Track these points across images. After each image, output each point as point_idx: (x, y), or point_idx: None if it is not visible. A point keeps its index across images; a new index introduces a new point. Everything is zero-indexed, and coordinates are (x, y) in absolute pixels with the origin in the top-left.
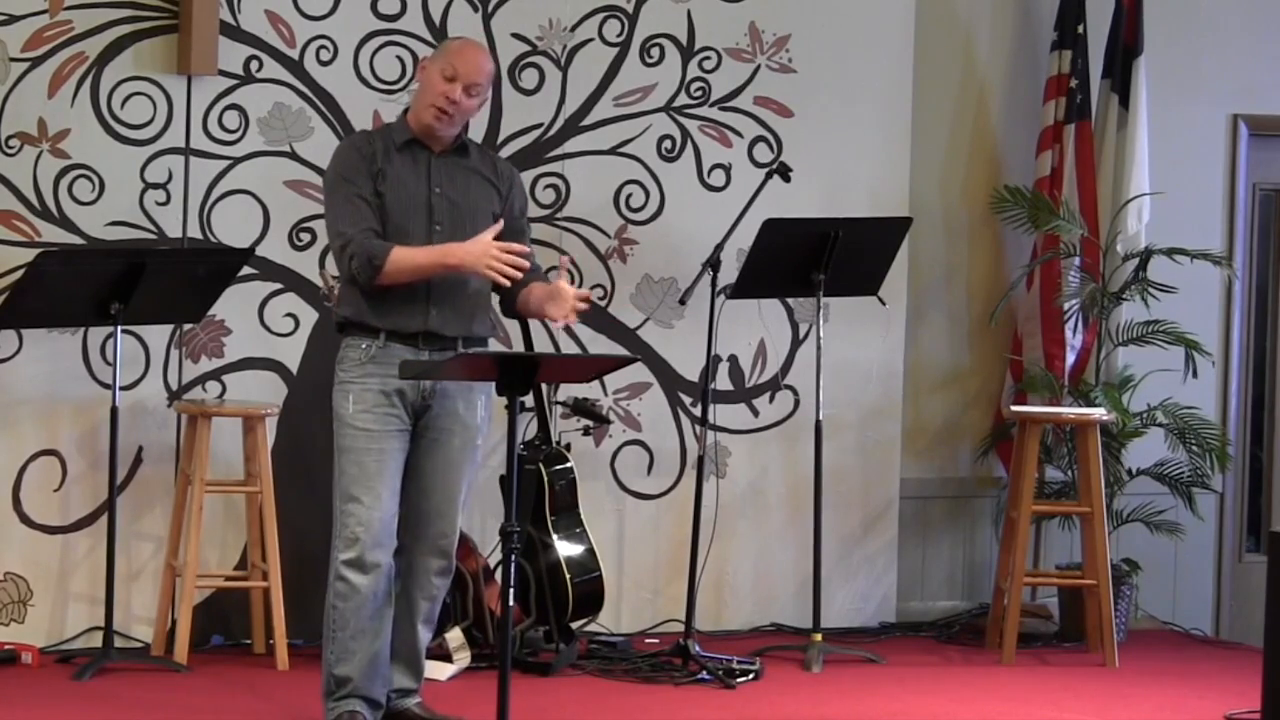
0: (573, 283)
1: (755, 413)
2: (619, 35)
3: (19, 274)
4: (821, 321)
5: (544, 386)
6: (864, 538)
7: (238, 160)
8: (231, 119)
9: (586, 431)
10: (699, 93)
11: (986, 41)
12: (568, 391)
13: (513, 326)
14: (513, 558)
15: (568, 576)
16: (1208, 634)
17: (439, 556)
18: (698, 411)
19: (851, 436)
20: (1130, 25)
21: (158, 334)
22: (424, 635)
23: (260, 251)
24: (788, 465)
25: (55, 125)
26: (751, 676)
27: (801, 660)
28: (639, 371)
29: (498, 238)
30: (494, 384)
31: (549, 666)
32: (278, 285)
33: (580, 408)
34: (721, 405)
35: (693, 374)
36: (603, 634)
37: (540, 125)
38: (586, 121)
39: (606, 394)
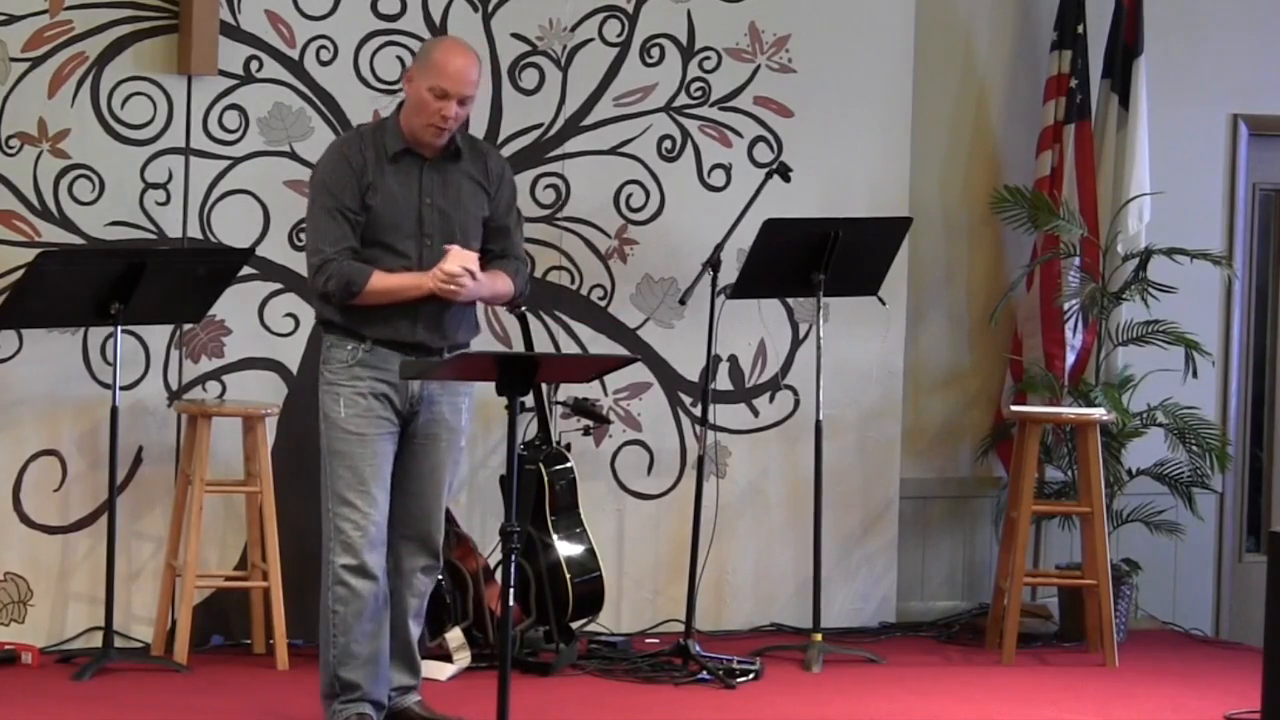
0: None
1: (755, 413)
2: (619, 35)
3: (19, 274)
4: (821, 321)
5: (544, 386)
6: (864, 538)
7: (238, 160)
8: (231, 119)
9: (586, 431)
10: (699, 93)
11: (986, 42)
12: (568, 391)
13: (513, 327)
14: (513, 558)
15: (568, 576)
16: (1208, 634)
17: (428, 555)
18: (698, 411)
19: (851, 436)
20: (1130, 25)
21: (158, 334)
22: (416, 631)
23: (260, 251)
24: (788, 465)
25: (55, 125)
26: (751, 676)
27: (801, 660)
28: (639, 371)
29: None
30: (474, 384)
31: (549, 666)
32: (278, 285)
33: (580, 408)
34: (721, 405)
35: (693, 374)
36: (603, 634)
37: (540, 125)
38: (587, 121)
39: (606, 394)
